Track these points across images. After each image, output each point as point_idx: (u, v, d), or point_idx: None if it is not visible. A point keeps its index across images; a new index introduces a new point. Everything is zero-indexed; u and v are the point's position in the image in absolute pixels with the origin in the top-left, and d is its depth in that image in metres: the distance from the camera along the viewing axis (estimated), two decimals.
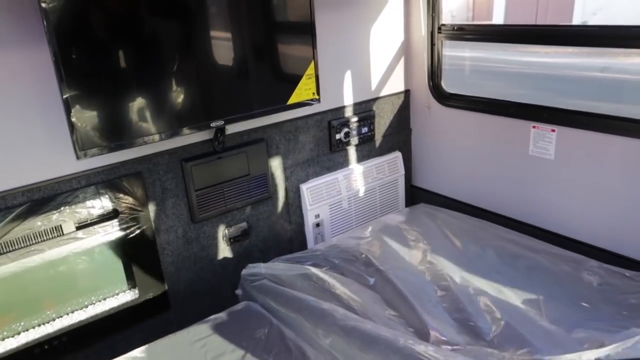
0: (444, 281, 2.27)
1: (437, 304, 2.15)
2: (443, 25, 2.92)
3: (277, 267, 2.39)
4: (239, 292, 2.42)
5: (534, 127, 2.61)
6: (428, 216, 2.82)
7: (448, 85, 3.05)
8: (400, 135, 3.25)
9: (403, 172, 3.27)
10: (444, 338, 1.94)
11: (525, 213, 2.76)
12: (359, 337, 1.82)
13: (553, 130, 2.53)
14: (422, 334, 1.96)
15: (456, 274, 2.32)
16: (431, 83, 3.05)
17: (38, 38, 1.88)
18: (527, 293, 2.18)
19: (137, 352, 1.97)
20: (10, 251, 2.07)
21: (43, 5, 1.74)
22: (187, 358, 1.93)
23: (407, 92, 3.20)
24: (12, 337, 2.18)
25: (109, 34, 1.99)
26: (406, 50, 3.12)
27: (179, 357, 1.95)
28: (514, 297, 2.16)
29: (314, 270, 2.29)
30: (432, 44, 2.97)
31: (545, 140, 2.58)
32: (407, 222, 2.75)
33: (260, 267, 2.38)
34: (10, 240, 2.05)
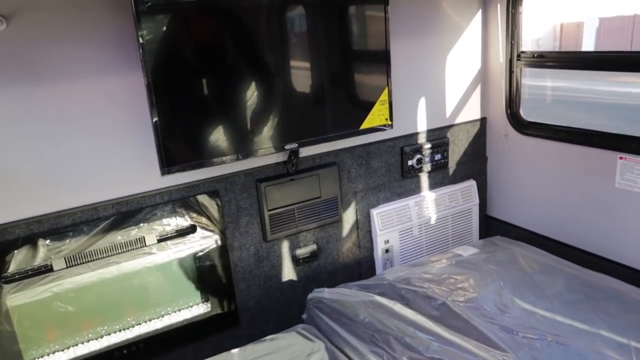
0: (522, 325, 2.10)
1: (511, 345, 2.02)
2: (522, 52, 2.86)
3: (342, 292, 2.40)
4: (304, 316, 2.46)
5: (621, 158, 2.46)
6: (504, 251, 2.70)
7: (527, 114, 2.96)
8: (475, 164, 3.18)
9: (477, 201, 3.18)
10: None
11: (610, 249, 2.58)
12: None
13: None
14: None
15: (533, 318, 2.14)
16: (509, 111, 2.98)
17: (131, 65, 2.07)
18: (617, 340, 1.99)
19: None
20: (93, 260, 2.25)
21: (141, 40, 1.93)
22: None
23: (483, 120, 3.14)
24: (96, 339, 2.34)
25: (197, 65, 2.16)
26: (483, 77, 3.08)
27: None
28: (602, 345, 1.97)
29: (378, 299, 2.27)
30: (511, 72, 2.91)
31: (634, 172, 2.42)
32: (480, 256, 2.66)
33: (325, 292, 2.40)
34: (93, 251, 2.23)
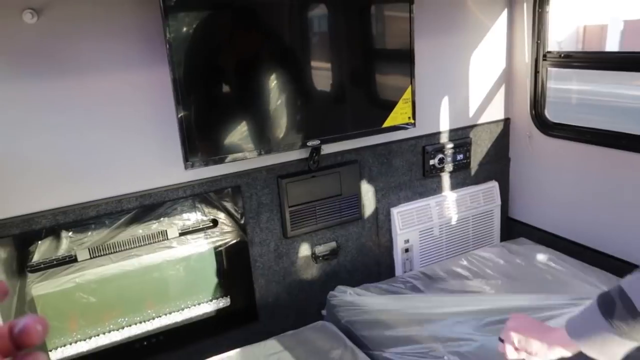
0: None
1: None
2: (548, 52, 2.82)
3: (363, 291, 2.39)
4: (324, 312, 2.45)
5: None
6: (526, 254, 2.65)
7: (552, 115, 2.91)
8: (497, 165, 3.14)
9: (499, 202, 3.14)
10: None
11: (637, 255, 2.53)
12: None
13: None
14: None
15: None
16: (533, 112, 2.94)
17: (157, 59, 2.08)
18: None
19: None
20: (115, 252, 2.28)
21: (167, 36, 1.94)
22: None
23: (506, 120, 3.10)
24: (117, 330, 2.37)
25: (223, 61, 2.17)
26: (507, 77, 3.04)
27: None
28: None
29: (400, 299, 2.25)
30: (536, 72, 2.87)
31: None
32: (503, 258, 2.62)
33: (346, 291, 2.39)
34: (115, 243, 2.26)
